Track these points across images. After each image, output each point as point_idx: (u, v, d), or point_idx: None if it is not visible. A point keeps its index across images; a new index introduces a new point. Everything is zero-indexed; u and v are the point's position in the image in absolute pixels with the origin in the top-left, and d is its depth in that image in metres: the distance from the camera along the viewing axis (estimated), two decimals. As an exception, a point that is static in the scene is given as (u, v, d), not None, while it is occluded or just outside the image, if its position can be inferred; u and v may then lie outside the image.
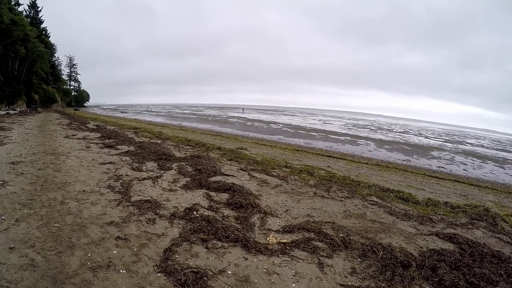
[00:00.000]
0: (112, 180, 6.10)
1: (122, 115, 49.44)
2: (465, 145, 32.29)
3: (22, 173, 6.06)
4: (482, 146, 33.64)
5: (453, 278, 3.07)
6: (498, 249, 3.94)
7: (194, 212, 4.51)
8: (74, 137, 13.04)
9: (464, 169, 15.19)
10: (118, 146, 10.60)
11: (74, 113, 41.18)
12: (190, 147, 11.61)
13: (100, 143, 11.21)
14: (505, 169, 16.70)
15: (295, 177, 7.51)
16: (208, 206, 4.87)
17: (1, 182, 5.28)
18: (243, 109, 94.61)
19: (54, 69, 61.24)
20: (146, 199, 5.01)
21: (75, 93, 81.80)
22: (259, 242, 3.68)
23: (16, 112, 31.62)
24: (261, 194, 5.78)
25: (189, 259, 3.17)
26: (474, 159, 20.01)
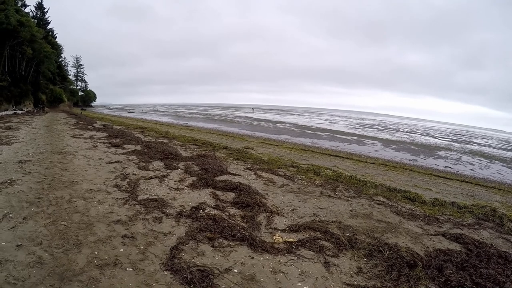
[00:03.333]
0: (119, 179, 6.14)
1: (128, 115, 49.78)
2: (472, 145, 31.92)
3: (30, 172, 6.13)
4: (489, 146, 33.20)
5: (460, 278, 3.04)
6: (505, 250, 3.89)
7: (201, 211, 4.53)
8: (81, 136, 13.17)
9: (471, 169, 15.02)
10: (125, 146, 10.69)
11: (81, 113, 41.58)
12: (197, 147, 11.65)
13: (107, 143, 11.30)
14: (513, 169, 16.48)
15: (302, 176, 7.49)
16: (214, 205, 4.88)
17: (9, 181, 5.34)
18: (252, 108, 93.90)
19: (61, 69, 61.85)
20: (153, 198, 5.04)
21: (82, 93, 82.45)
22: (265, 241, 3.68)
23: (23, 112, 32.04)
24: (267, 194, 5.78)
25: (195, 258, 3.19)
26: (481, 159, 19.77)
